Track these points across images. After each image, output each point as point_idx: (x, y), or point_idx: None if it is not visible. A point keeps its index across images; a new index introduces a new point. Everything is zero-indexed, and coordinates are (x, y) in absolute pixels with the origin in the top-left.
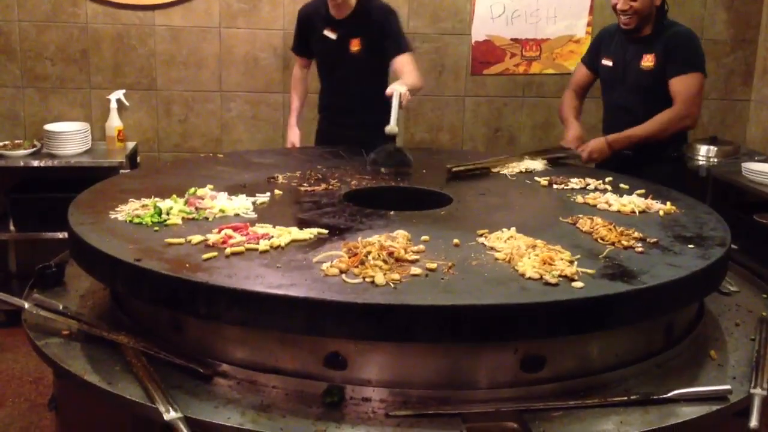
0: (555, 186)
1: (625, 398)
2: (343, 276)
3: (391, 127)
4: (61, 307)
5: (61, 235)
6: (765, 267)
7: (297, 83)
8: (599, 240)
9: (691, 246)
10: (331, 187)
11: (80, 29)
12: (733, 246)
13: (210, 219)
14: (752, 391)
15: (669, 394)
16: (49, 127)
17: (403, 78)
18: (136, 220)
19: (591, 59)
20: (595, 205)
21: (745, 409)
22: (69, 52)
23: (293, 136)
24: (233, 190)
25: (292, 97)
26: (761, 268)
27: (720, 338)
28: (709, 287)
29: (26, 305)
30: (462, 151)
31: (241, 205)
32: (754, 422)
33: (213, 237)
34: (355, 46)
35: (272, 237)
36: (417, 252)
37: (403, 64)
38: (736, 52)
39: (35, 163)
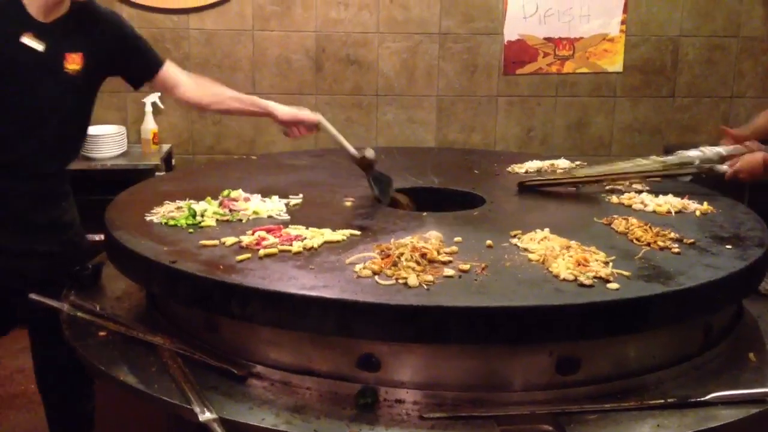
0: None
1: (662, 401)
2: (376, 277)
3: (368, 151)
4: (98, 309)
5: (98, 237)
6: None
7: None
8: (635, 241)
9: (728, 246)
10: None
11: None
12: None
13: (243, 221)
14: None
15: (707, 397)
16: None
17: (218, 89)
18: (171, 222)
19: None
20: (630, 206)
21: None
22: None
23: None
24: (267, 192)
25: None
26: None
27: (759, 340)
28: (748, 289)
29: (64, 307)
30: (495, 152)
31: (275, 206)
32: None
33: (246, 239)
34: (71, 63)
35: (305, 238)
36: (450, 253)
37: (177, 71)
38: None
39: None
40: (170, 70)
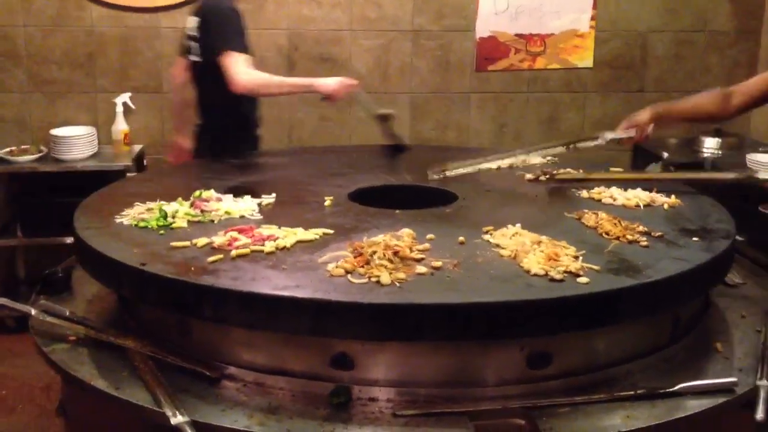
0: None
1: (632, 392)
2: (349, 276)
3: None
4: (67, 313)
5: (69, 240)
6: None
7: (269, 75)
8: (604, 235)
9: (695, 239)
10: (339, 186)
11: (86, 33)
12: (739, 238)
13: (215, 221)
14: (758, 383)
15: (675, 388)
16: (55, 131)
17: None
18: (142, 224)
19: None
20: (599, 200)
21: (751, 401)
22: (75, 56)
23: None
24: (239, 192)
25: (286, 78)
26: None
27: (726, 331)
28: (715, 280)
29: (33, 311)
30: (468, 149)
31: (247, 206)
32: (760, 414)
33: (218, 239)
34: None
35: (278, 238)
36: (422, 251)
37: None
38: (739, 44)
39: (42, 168)
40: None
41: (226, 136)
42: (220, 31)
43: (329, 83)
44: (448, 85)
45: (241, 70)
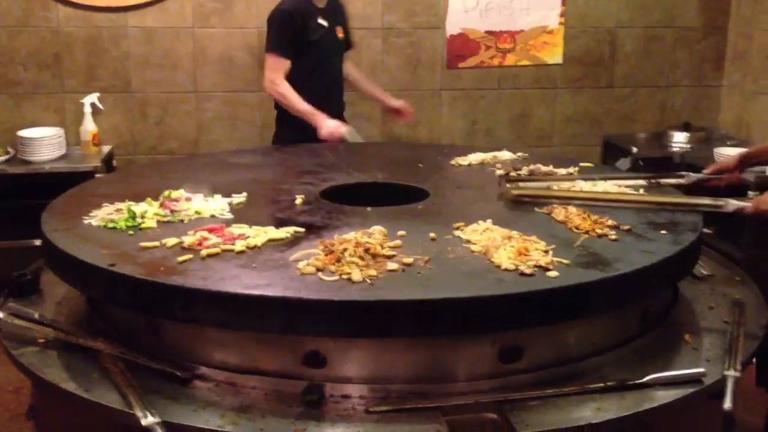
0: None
1: (602, 385)
2: (320, 274)
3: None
4: (36, 316)
5: (37, 242)
6: (739, 251)
7: (292, 91)
8: (574, 229)
9: (663, 232)
10: (310, 184)
11: (52, 33)
12: (707, 231)
13: (185, 221)
14: (726, 373)
15: (644, 379)
16: (22, 133)
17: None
18: (110, 225)
19: None
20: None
21: (719, 392)
22: (41, 56)
23: (335, 124)
24: (209, 191)
25: (301, 103)
26: (736, 252)
27: (694, 322)
28: (683, 272)
29: (1, 314)
30: (439, 145)
31: (217, 206)
32: (728, 404)
33: (188, 239)
34: (340, 33)
35: (248, 237)
36: (393, 247)
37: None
38: (707, 39)
39: (9, 170)
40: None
41: (294, 126)
42: (267, 32)
43: (327, 126)
44: (419, 82)
45: (268, 75)
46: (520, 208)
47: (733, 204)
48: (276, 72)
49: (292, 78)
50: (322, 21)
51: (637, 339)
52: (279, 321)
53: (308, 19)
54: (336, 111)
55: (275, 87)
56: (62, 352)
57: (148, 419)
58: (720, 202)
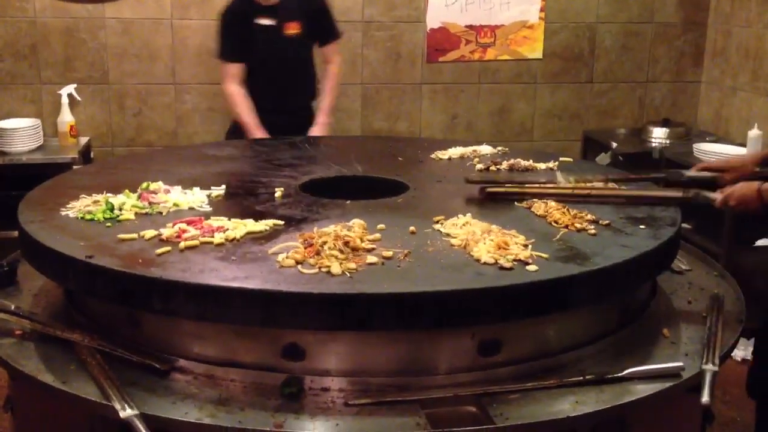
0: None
1: (581, 378)
2: (299, 267)
3: None
4: (13, 307)
5: (14, 233)
6: (717, 245)
7: (242, 98)
8: (553, 223)
9: (642, 227)
10: (290, 177)
11: (29, 23)
12: (686, 225)
13: (164, 213)
14: (704, 367)
15: (623, 373)
16: None
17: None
18: (88, 217)
19: None
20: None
21: (697, 385)
22: (18, 47)
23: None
24: (188, 184)
25: (244, 113)
26: (714, 247)
27: (672, 316)
28: (661, 267)
29: None
30: (419, 139)
31: (196, 198)
32: (705, 397)
33: (167, 231)
34: (291, 29)
35: (227, 230)
36: (373, 240)
37: (333, 53)
38: (686, 35)
39: None
40: (333, 48)
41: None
42: None
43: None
44: (399, 76)
45: (221, 82)
46: (500, 202)
47: (703, 196)
48: (225, 78)
49: (248, 78)
50: (264, 20)
51: (616, 333)
52: (258, 313)
53: (248, 19)
54: (299, 107)
55: (225, 95)
56: (39, 344)
57: (126, 411)
58: (689, 194)
